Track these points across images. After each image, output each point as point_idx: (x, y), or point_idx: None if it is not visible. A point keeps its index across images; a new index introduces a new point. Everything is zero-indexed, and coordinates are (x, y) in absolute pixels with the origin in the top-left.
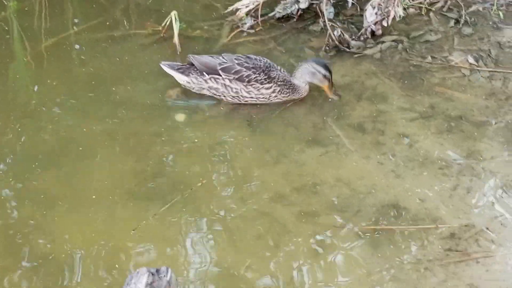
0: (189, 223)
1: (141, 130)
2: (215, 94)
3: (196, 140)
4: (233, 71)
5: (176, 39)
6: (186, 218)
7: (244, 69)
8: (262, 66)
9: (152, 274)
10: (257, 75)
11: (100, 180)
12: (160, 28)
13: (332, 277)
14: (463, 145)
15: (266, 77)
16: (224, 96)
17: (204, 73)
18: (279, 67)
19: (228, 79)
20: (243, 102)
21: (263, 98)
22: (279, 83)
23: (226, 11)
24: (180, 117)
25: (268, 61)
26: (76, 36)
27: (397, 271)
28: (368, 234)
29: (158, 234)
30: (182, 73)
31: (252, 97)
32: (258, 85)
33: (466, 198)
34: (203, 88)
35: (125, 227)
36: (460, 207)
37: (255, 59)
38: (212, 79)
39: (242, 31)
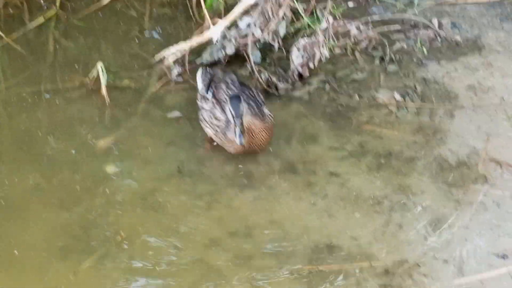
0: (123, 275)
1: (70, 184)
2: None
3: (127, 191)
4: None
5: (104, 91)
6: (119, 270)
7: None
8: None
9: None
10: None
11: (27, 236)
12: (88, 81)
13: None
14: (393, 182)
15: None
16: None
17: None
18: None
19: None
20: None
21: None
22: None
23: (153, 61)
24: (110, 168)
25: None
26: (3, 93)
27: None
28: (304, 276)
29: None
30: None
31: None
32: None
33: (398, 234)
34: None
35: (53, 284)
36: (393, 243)
37: None
38: None
39: (170, 79)
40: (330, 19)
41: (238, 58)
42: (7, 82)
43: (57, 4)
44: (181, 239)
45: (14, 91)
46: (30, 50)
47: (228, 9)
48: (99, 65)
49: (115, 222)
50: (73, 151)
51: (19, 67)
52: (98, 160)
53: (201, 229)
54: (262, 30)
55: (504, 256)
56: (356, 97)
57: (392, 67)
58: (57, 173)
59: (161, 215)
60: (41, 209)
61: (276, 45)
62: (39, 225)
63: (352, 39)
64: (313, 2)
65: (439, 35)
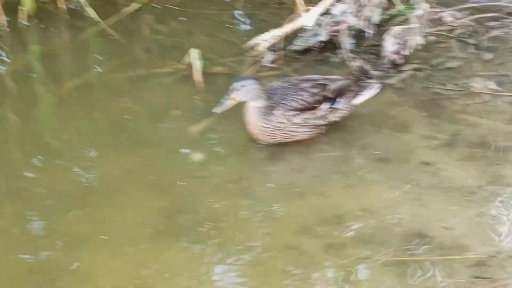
0: (215, 260)
1: (163, 170)
2: None
3: (219, 176)
4: None
5: (197, 77)
6: (211, 254)
7: None
8: None
9: None
10: None
11: (124, 220)
12: (182, 66)
13: None
14: (487, 171)
15: None
16: None
17: None
18: None
19: None
20: None
21: None
22: None
23: (246, 47)
24: (198, 156)
25: None
26: (99, 78)
27: None
28: (395, 265)
29: (185, 271)
30: None
31: None
32: None
33: (491, 225)
34: None
35: (152, 266)
36: (486, 235)
37: None
38: None
39: (263, 66)
40: (425, 5)
41: (329, 46)
42: (103, 67)
43: None
44: (272, 225)
45: (109, 76)
46: (125, 35)
47: None
48: (193, 51)
49: (207, 206)
50: (166, 136)
51: (114, 52)
52: (191, 145)
53: (292, 216)
54: (356, 17)
55: None
56: (450, 85)
57: (487, 55)
58: (150, 157)
59: (252, 202)
60: (134, 192)
61: (370, 32)
62: (135, 210)
63: (447, 26)
64: None
65: None
